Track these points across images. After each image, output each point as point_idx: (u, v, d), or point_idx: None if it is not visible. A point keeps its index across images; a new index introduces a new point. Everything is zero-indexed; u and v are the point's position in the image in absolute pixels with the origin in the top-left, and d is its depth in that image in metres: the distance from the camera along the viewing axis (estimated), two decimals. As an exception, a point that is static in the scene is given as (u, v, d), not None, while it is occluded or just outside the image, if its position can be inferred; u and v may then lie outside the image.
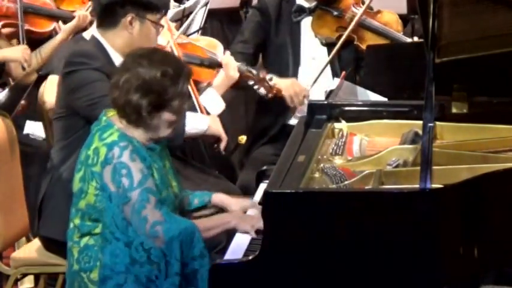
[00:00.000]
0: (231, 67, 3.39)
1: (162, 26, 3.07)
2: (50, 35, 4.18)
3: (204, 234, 1.93)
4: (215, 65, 3.52)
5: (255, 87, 3.72)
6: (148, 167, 1.93)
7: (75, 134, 2.86)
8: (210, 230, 1.96)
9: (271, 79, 3.71)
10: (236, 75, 3.39)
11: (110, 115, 1.98)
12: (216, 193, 2.62)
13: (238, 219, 2.01)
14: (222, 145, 3.22)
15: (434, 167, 2.41)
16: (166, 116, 1.96)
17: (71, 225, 2.28)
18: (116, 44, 2.90)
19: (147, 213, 1.85)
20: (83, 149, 1.98)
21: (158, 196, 1.92)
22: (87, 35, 3.24)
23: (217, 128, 3.15)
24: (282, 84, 3.84)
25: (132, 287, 2.11)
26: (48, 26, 4.09)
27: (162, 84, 1.91)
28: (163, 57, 2.03)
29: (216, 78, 3.42)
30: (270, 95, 3.73)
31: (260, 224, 2.02)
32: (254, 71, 3.63)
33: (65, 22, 4.14)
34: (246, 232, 2.27)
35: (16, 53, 3.71)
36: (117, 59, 2.91)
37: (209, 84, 3.46)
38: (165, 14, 3.17)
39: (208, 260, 2.12)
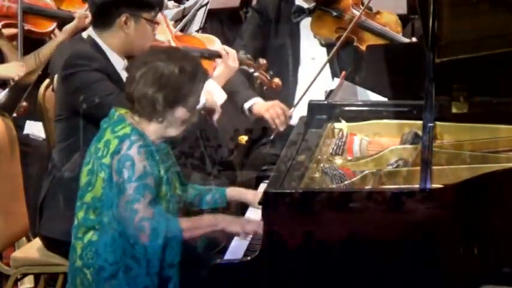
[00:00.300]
0: (231, 57, 3.41)
1: (158, 23, 3.07)
2: (44, 40, 4.17)
3: (191, 232, 1.93)
4: (214, 56, 3.53)
5: (255, 74, 3.75)
6: (155, 165, 1.94)
7: (76, 135, 2.86)
8: (197, 229, 1.96)
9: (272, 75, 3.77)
10: (236, 65, 3.42)
11: (121, 112, 2.00)
12: (228, 188, 2.63)
13: (227, 221, 2.01)
14: (216, 116, 3.23)
15: (434, 167, 2.41)
16: (180, 112, 1.98)
17: (75, 221, 2.28)
18: (112, 44, 2.90)
19: (139, 207, 1.87)
20: (93, 143, 2.01)
21: (154, 195, 1.93)
22: (85, 34, 3.24)
23: (213, 99, 3.16)
24: (264, 105, 3.91)
25: (123, 278, 2.12)
26: (48, 27, 4.09)
27: (179, 79, 1.93)
28: (182, 54, 2.06)
29: (216, 70, 3.43)
30: (270, 86, 3.78)
31: (251, 227, 2.02)
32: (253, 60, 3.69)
33: (65, 23, 4.14)
34: (237, 234, 2.26)
35: (11, 71, 3.71)
36: (115, 59, 2.91)
37: (209, 76, 3.47)
38: (160, 10, 3.17)
39: (177, 270, 2.12)
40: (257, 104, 3.87)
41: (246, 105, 3.92)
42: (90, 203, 2.16)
